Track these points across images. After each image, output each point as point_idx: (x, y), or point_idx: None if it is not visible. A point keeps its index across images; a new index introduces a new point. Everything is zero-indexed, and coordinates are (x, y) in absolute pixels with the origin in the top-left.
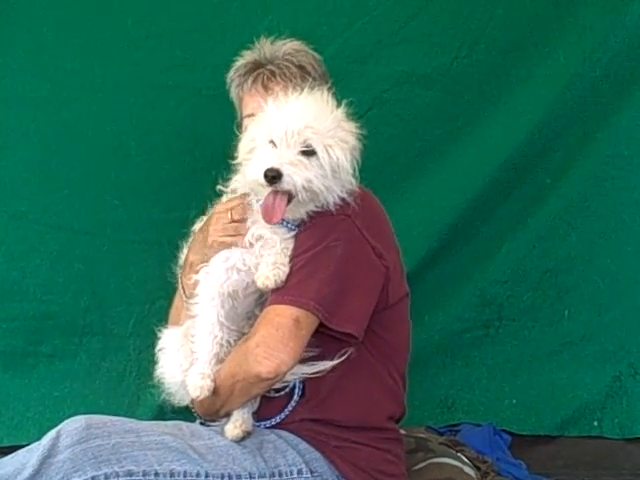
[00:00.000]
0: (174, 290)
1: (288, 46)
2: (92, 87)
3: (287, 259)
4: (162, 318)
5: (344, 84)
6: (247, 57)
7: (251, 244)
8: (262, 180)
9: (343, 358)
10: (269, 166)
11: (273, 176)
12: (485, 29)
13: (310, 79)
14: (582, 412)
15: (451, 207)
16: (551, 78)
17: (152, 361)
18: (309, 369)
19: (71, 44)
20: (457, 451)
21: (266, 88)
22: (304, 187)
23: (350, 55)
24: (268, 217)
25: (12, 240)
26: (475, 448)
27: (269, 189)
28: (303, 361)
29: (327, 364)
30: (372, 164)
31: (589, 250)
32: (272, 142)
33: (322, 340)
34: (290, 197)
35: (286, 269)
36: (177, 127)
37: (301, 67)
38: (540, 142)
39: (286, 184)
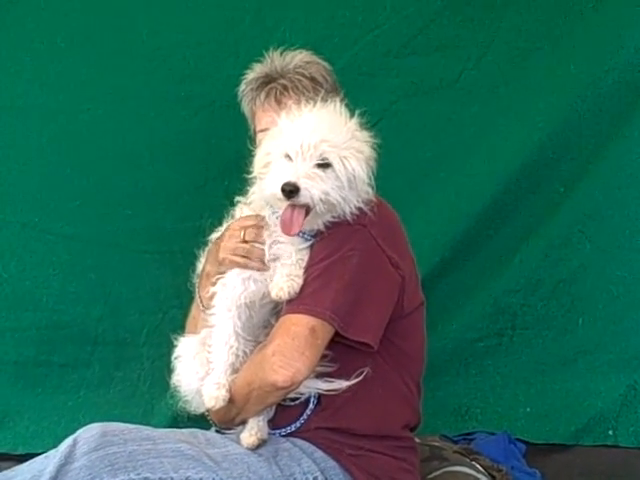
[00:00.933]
0: (188, 299)
1: (299, 58)
2: (105, 97)
3: (301, 271)
4: (175, 327)
5: (354, 95)
6: (258, 70)
7: (267, 263)
8: (280, 194)
9: (359, 379)
10: (286, 180)
11: (290, 190)
12: (493, 40)
13: (322, 90)
14: (597, 421)
15: (463, 217)
16: (562, 88)
17: (166, 370)
18: (324, 385)
19: (85, 55)
20: (471, 460)
21: (279, 102)
22: (321, 199)
23: (360, 67)
24: (287, 230)
25: (24, 250)
26: (490, 457)
27: (287, 203)
28: (319, 376)
29: (343, 384)
30: (382, 175)
31: (603, 259)
32: (288, 156)
33: (339, 355)
34: (308, 209)
35: (300, 281)
36: (190, 137)
37: (313, 79)
38: (552, 152)
39: (303, 198)
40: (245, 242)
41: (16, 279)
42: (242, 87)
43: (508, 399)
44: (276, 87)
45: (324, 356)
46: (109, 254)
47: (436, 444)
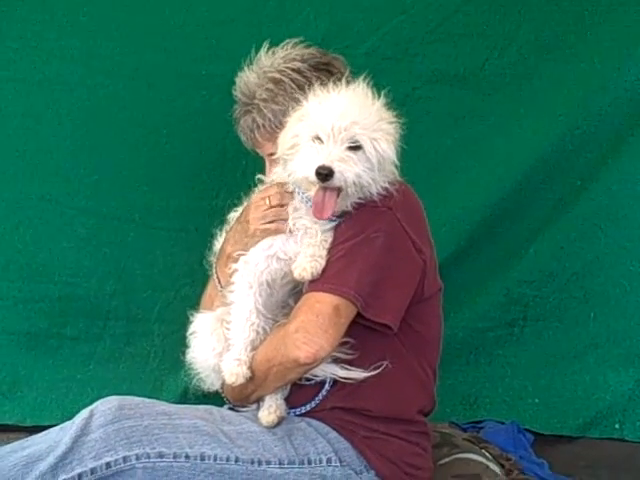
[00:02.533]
0: (201, 277)
1: (260, 78)
2: (126, 73)
3: (325, 251)
4: (187, 305)
5: (377, 80)
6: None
7: (292, 231)
8: (313, 177)
9: (378, 371)
10: (320, 163)
11: (326, 174)
12: (518, 31)
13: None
14: (604, 414)
15: (480, 206)
16: (584, 81)
17: (176, 347)
18: (342, 372)
19: (106, 30)
20: (481, 448)
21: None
22: (354, 182)
23: (385, 52)
24: (319, 213)
25: (40, 222)
26: (499, 445)
27: (318, 186)
28: (337, 361)
29: (361, 374)
30: (402, 161)
31: (617, 253)
32: (318, 138)
33: (359, 336)
34: (339, 192)
35: (323, 262)
36: (209, 116)
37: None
38: (571, 144)
39: (337, 181)
40: (271, 207)
41: (31, 250)
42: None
43: (517, 389)
44: (253, 119)
45: (344, 343)
46: (124, 229)
47: (446, 431)
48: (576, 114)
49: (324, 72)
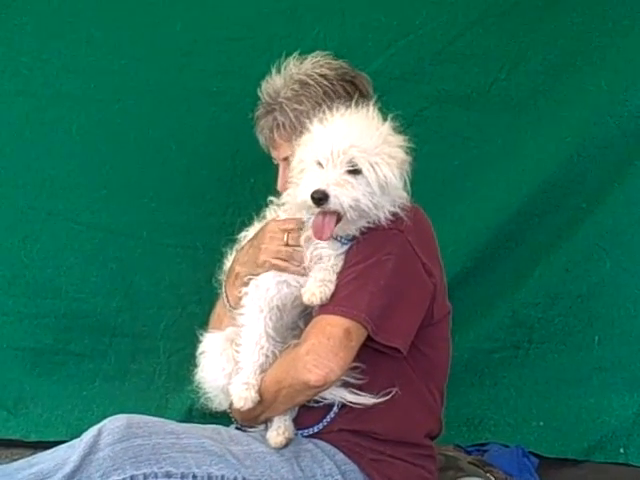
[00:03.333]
0: (208, 295)
1: (288, 84)
2: (136, 89)
3: (334, 276)
4: (194, 323)
5: (385, 100)
6: (262, 96)
7: (307, 267)
8: (310, 202)
9: (387, 398)
10: (315, 188)
11: (320, 198)
12: (526, 52)
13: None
14: (609, 438)
15: (486, 227)
16: (592, 103)
17: (182, 365)
18: (351, 397)
19: (119, 45)
20: (486, 471)
21: (281, 137)
22: (351, 206)
23: (393, 71)
24: (318, 235)
25: (47, 237)
26: (503, 469)
27: (317, 210)
28: (346, 386)
29: (369, 400)
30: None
31: (622, 276)
32: (319, 163)
33: (368, 359)
34: (339, 216)
35: (332, 286)
36: (218, 133)
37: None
38: (577, 166)
39: (333, 205)
40: (287, 245)
41: (38, 266)
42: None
43: (522, 412)
44: (275, 120)
45: (354, 367)
46: (131, 246)
47: (451, 454)
48: (582, 137)
49: (350, 84)
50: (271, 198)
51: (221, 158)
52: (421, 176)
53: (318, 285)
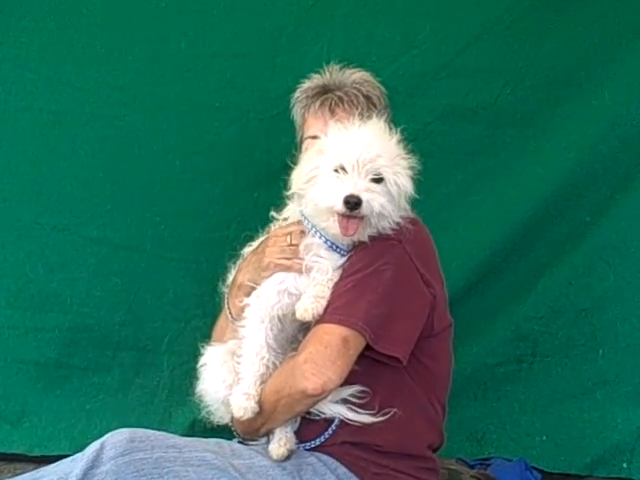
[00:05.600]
0: (211, 309)
1: (357, 75)
2: (140, 104)
3: (329, 292)
4: (197, 337)
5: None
6: (315, 80)
7: (308, 268)
8: (340, 206)
9: (386, 417)
10: (349, 192)
11: (355, 202)
12: (531, 67)
13: (375, 110)
14: (612, 453)
15: (489, 241)
16: (595, 118)
17: (186, 379)
18: (350, 414)
19: (123, 61)
20: None
21: (332, 112)
22: (379, 212)
23: (397, 86)
24: (345, 231)
25: (52, 252)
26: None
27: (339, 215)
28: (346, 402)
29: (368, 418)
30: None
31: (625, 289)
32: (341, 169)
33: (368, 370)
34: (360, 220)
35: (325, 302)
36: (222, 148)
37: (368, 97)
38: (581, 180)
39: (365, 210)
40: (291, 245)
41: (42, 280)
42: (297, 94)
43: (525, 426)
44: (332, 97)
45: (353, 382)
46: (135, 260)
47: (453, 467)
48: (586, 150)
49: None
50: (273, 213)
51: (225, 172)
52: (425, 190)
53: (311, 302)
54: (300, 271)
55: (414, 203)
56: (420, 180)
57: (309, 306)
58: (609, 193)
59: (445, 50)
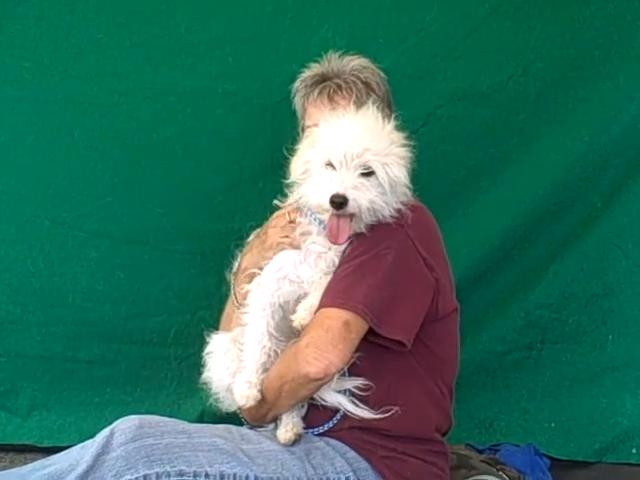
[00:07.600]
0: (217, 301)
1: (356, 62)
2: (141, 92)
3: None
4: (203, 328)
5: (398, 98)
6: (314, 69)
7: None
8: (327, 205)
9: (387, 415)
10: (334, 192)
11: (340, 202)
12: (543, 48)
13: (374, 96)
14: (621, 439)
15: (500, 227)
16: (609, 101)
17: (193, 370)
18: (351, 407)
19: (123, 48)
20: (498, 470)
21: (331, 100)
22: (367, 208)
23: (405, 69)
24: (334, 239)
25: (53, 246)
26: (516, 467)
27: (331, 212)
28: (349, 394)
29: (368, 414)
30: (423, 180)
31: (637, 275)
32: (330, 165)
33: (374, 355)
34: (352, 217)
35: None
36: (225, 136)
37: (367, 84)
38: (593, 164)
39: (351, 208)
40: (290, 222)
41: (44, 275)
42: (297, 83)
43: (533, 413)
44: (330, 85)
45: (359, 368)
46: (138, 253)
47: (462, 452)
48: (599, 134)
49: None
50: (276, 202)
51: (228, 162)
52: (435, 175)
53: (308, 313)
54: (300, 247)
55: (423, 188)
56: (430, 164)
57: (307, 316)
58: (621, 177)
59: (454, 31)
